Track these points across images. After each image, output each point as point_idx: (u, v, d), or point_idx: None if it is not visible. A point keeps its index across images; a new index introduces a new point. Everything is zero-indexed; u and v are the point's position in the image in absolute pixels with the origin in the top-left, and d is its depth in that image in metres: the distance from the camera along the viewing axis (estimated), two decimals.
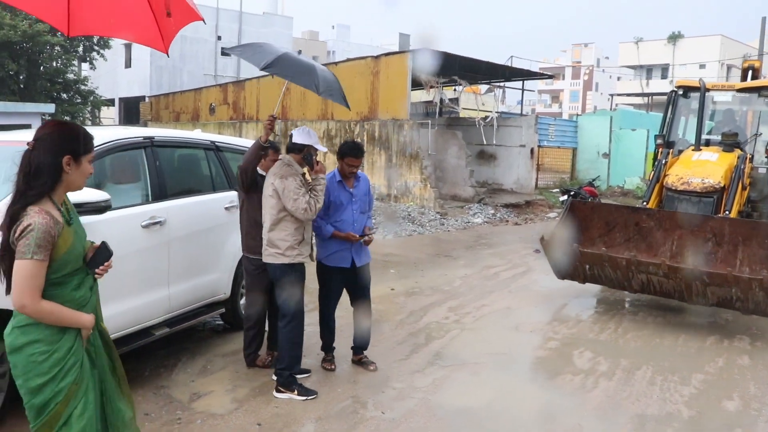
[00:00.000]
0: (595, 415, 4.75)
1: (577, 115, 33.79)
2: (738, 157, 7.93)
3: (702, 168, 7.79)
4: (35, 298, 2.39)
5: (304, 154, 4.76)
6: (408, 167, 16.24)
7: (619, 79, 56.84)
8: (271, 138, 4.97)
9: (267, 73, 19.46)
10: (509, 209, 17.71)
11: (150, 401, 4.57)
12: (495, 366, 5.75)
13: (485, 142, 19.46)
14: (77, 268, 2.57)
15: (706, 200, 7.54)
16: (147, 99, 26.19)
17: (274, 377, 4.86)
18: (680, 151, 8.61)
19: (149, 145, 4.90)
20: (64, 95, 23.38)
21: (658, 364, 5.78)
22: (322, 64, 5.87)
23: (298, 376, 4.94)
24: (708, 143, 8.79)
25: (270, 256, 4.75)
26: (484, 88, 24.48)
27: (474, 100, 22.54)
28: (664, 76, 47.04)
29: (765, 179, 8.42)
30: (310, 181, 4.74)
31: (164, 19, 3.28)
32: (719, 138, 8.67)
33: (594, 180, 18.82)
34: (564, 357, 6.02)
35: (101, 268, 2.64)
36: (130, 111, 28.60)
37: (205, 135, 5.98)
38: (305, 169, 4.78)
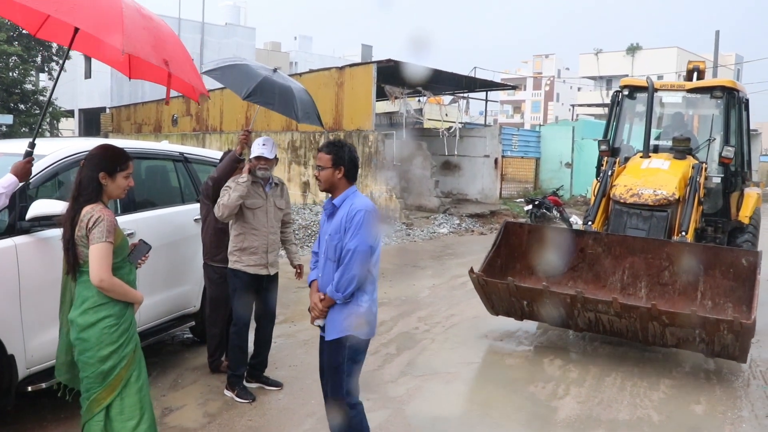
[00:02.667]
0: (569, 423, 4.81)
1: (540, 125, 34.34)
2: (693, 167, 7.11)
3: (653, 177, 6.94)
4: (110, 273, 3.06)
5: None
6: (373, 178, 16.27)
7: (579, 89, 57.99)
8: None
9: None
10: (474, 219, 17.89)
11: None
12: (467, 375, 5.79)
13: (448, 153, 19.63)
14: (126, 256, 3.24)
15: (659, 214, 6.68)
16: (108, 110, 25.74)
17: (225, 389, 5.01)
18: (626, 159, 7.80)
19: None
20: (22, 106, 22.83)
21: (626, 371, 5.88)
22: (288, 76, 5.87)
23: (267, 387, 5.10)
24: (656, 149, 7.99)
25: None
26: (447, 98, 24.68)
27: (438, 111, 22.74)
28: None
29: (718, 191, 7.70)
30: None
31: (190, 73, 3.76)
32: (669, 144, 7.87)
33: (558, 189, 19.13)
34: (535, 365, 6.08)
35: (141, 259, 3.36)
36: (90, 122, 28.05)
37: (174, 146, 5.91)
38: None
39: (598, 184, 7.57)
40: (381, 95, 17.40)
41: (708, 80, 8.41)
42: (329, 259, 3.50)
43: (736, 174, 7.84)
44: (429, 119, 23.32)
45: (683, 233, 6.45)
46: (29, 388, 3.94)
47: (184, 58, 3.77)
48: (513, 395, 5.31)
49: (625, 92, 8.35)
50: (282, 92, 4.96)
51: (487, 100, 21.58)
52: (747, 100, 8.25)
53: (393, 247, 13.54)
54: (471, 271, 6.11)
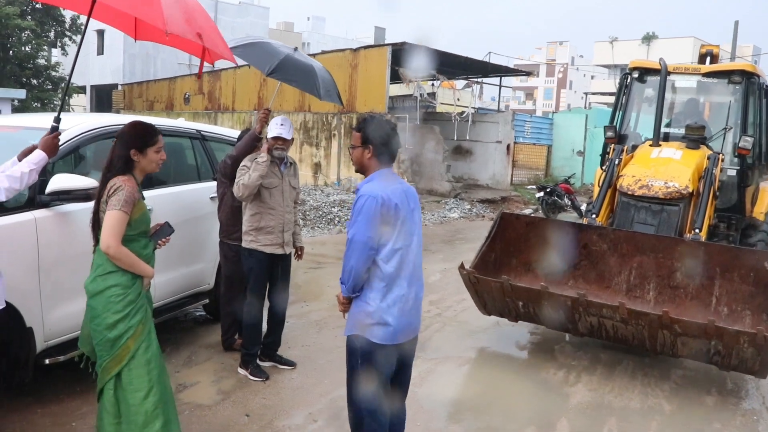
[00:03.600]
0: (580, 409, 4.81)
1: (552, 112, 34.11)
2: (708, 158, 6.60)
3: (664, 168, 6.38)
4: (118, 241, 3.10)
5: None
6: None
7: (593, 77, 57.50)
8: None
9: (243, 63, 19.23)
10: (485, 205, 17.85)
11: None
12: (479, 359, 5.80)
13: (458, 138, 19.54)
14: (145, 231, 3.32)
15: (670, 209, 6.13)
16: (120, 87, 25.73)
17: (239, 367, 5.04)
18: (634, 147, 7.20)
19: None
20: (35, 81, 22.84)
21: (637, 359, 5.87)
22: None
23: (280, 366, 5.12)
24: (667, 138, 7.38)
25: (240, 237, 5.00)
26: (460, 83, 24.54)
27: (451, 95, 22.61)
28: None
29: (733, 184, 7.16)
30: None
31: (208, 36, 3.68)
32: (680, 132, 7.34)
33: (570, 177, 19.00)
34: (546, 351, 6.08)
35: (162, 240, 3.44)
36: (102, 99, 28.02)
37: (191, 124, 5.90)
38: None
39: (604, 173, 7.12)
40: (394, 78, 17.30)
41: (726, 64, 7.79)
42: None
43: (752, 167, 7.29)
44: (442, 103, 23.19)
45: (696, 230, 5.93)
46: (47, 361, 3.97)
47: (211, 28, 3.76)
48: (525, 381, 5.32)
49: (635, 75, 7.73)
50: (303, 70, 5.03)
51: (500, 86, 21.42)
52: (767, 88, 7.51)
53: None
54: (461, 267, 5.48)
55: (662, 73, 7.10)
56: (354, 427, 3.32)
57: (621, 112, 7.82)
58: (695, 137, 6.92)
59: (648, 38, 48.24)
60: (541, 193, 16.67)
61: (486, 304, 5.79)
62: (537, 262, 6.19)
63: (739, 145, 6.89)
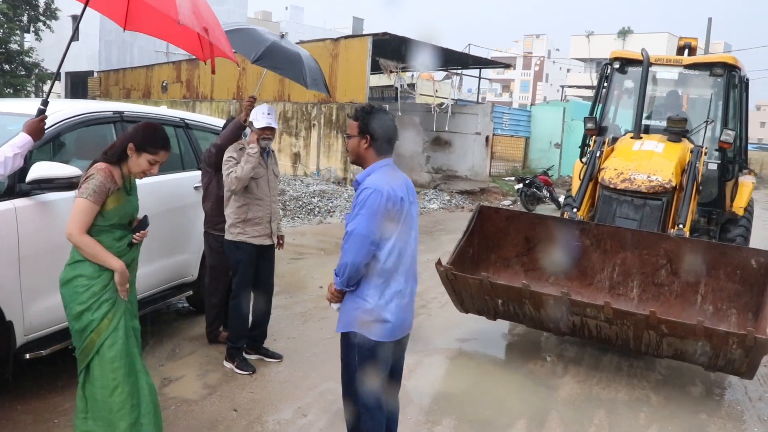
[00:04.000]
0: (569, 402, 4.81)
1: (529, 105, 34.30)
2: (692, 151, 6.47)
3: (646, 161, 6.27)
4: (81, 230, 3.03)
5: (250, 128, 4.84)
6: None
7: (569, 71, 57.88)
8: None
9: None
10: (464, 196, 17.88)
11: None
12: (466, 351, 5.77)
13: (437, 129, 19.51)
14: (122, 224, 3.20)
15: (653, 203, 6.02)
16: (96, 74, 25.17)
17: (224, 361, 4.93)
18: (614, 140, 7.05)
19: (119, 119, 4.66)
20: (7, 66, 22.23)
21: (622, 351, 5.89)
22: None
23: (266, 359, 5.05)
24: (647, 130, 7.26)
25: (223, 229, 4.89)
26: (439, 75, 24.49)
27: (430, 87, 22.55)
28: None
29: (714, 178, 7.03)
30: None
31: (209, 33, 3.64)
32: (661, 124, 7.27)
33: (548, 169, 19.12)
34: (531, 342, 6.08)
35: (138, 234, 3.28)
36: (77, 86, 27.36)
37: (175, 112, 5.76)
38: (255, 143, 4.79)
39: (585, 166, 7.06)
40: (374, 69, 17.18)
41: (708, 56, 7.81)
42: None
43: (733, 161, 7.24)
44: (421, 94, 23.14)
45: (680, 226, 5.83)
46: (27, 356, 3.82)
47: (216, 24, 3.68)
48: (513, 373, 5.31)
49: (616, 65, 7.59)
50: (290, 58, 4.94)
51: (480, 78, 21.41)
52: (747, 80, 7.55)
53: None
54: (438, 263, 5.28)
55: (644, 63, 6.99)
56: (352, 424, 3.26)
57: (601, 104, 7.71)
58: (677, 130, 6.79)
59: (624, 33, 48.70)
60: (521, 185, 16.76)
61: (464, 302, 5.55)
62: (516, 258, 6.01)
63: (721, 138, 6.81)
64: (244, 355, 4.92)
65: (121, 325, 3.13)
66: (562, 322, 5.06)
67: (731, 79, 7.18)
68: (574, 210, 6.28)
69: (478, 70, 21.31)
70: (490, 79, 63.52)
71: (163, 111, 5.63)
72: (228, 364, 4.83)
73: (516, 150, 26.00)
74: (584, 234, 5.79)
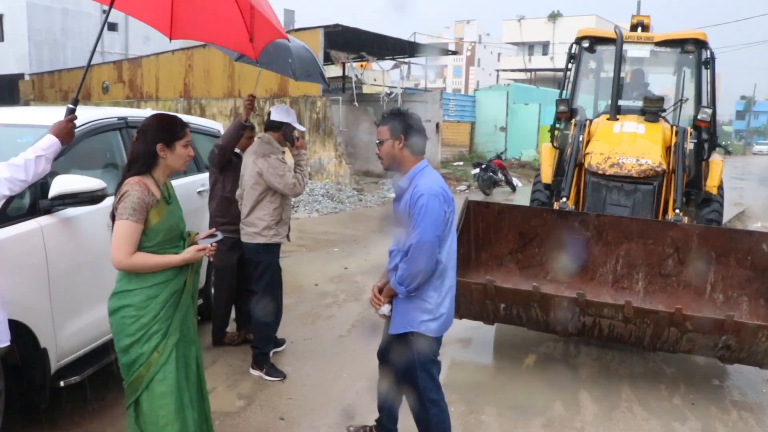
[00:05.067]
0: (592, 379, 4.91)
1: (465, 90, 34.74)
2: (676, 132, 6.33)
3: (631, 144, 6.07)
4: (127, 254, 2.75)
5: (284, 132, 4.74)
6: (322, 144, 16.00)
7: (500, 55, 58.87)
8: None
9: (167, 50, 18.27)
10: None
11: None
12: (478, 339, 5.77)
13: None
14: (171, 239, 2.92)
15: (644, 188, 5.81)
16: (27, 77, 23.89)
17: (251, 368, 4.76)
18: (589, 122, 6.79)
19: (124, 126, 4.44)
20: None
21: None
22: None
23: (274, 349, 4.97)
24: (619, 110, 6.80)
25: (247, 235, 4.67)
26: (387, 65, 24.50)
27: (375, 76, 22.50)
28: (545, 53, 49.36)
29: (691, 158, 6.79)
30: (293, 158, 4.80)
31: (255, 27, 3.55)
32: (630, 103, 7.09)
33: (501, 153, 19.45)
34: None
35: (210, 246, 2.97)
36: (5, 90, 25.86)
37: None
38: (286, 147, 4.83)
39: (556, 150, 6.90)
40: (325, 60, 17.00)
41: (679, 32, 7.37)
42: (397, 246, 3.21)
43: (709, 140, 7.03)
44: (373, 84, 23.02)
45: (677, 211, 5.68)
46: (62, 383, 3.60)
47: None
48: (530, 356, 5.37)
49: (585, 44, 7.32)
50: (277, 50, 4.72)
51: (426, 66, 21.52)
52: (714, 57, 7.23)
53: (349, 213, 13.43)
54: None
55: (618, 41, 6.65)
56: (422, 421, 3.28)
57: (571, 85, 7.51)
58: (654, 109, 6.58)
59: (554, 16, 49.86)
60: (477, 170, 16.98)
61: (460, 308, 4.81)
62: (511, 254, 5.68)
63: (698, 117, 6.69)
64: (251, 370, 4.74)
65: (173, 358, 2.89)
66: (572, 324, 4.71)
67: (702, 55, 7.12)
68: (564, 200, 5.96)
69: (425, 58, 21.41)
70: (424, 66, 64.03)
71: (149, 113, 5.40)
72: (256, 372, 4.69)
73: (462, 135, 26.30)
74: (584, 226, 5.47)
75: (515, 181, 18.55)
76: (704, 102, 7.09)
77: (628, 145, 6.05)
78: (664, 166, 5.87)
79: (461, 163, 23.37)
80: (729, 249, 5.16)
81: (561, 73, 8.44)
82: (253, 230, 4.61)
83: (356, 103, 17.14)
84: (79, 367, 3.74)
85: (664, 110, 6.79)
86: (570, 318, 4.64)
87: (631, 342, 4.74)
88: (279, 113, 4.77)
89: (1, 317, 2.81)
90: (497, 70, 40.86)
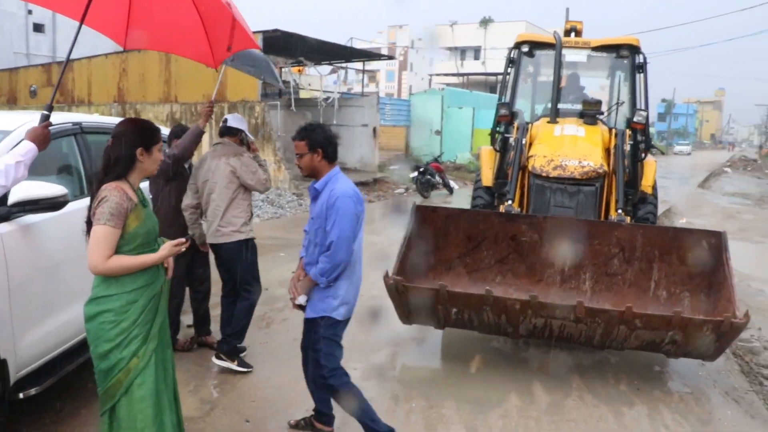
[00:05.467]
0: (543, 371, 5.13)
1: (398, 94, 35.16)
2: (616, 135, 6.52)
3: (573, 147, 6.20)
4: (103, 259, 2.76)
5: (240, 137, 5.02)
6: (261, 149, 15.85)
7: (432, 59, 59.78)
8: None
9: (100, 53, 17.70)
10: (360, 187, 18.02)
11: None
12: (430, 338, 5.86)
13: (325, 123, 19.61)
14: (148, 242, 2.94)
15: (587, 189, 5.92)
16: None
17: (216, 359, 4.84)
18: (530, 125, 6.88)
19: (78, 131, 4.35)
20: None
21: None
22: None
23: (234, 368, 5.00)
24: (557, 114, 6.88)
25: (224, 235, 4.78)
26: (324, 69, 24.50)
27: (312, 81, 22.50)
28: (476, 57, 50.53)
29: (629, 160, 6.75)
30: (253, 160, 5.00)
31: (215, 39, 3.72)
32: (570, 107, 7.26)
33: (439, 156, 19.80)
34: None
35: (178, 242, 2.98)
36: None
37: (116, 120, 5.44)
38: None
39: (497, 153, 7.06)
40: None
41: (614, 38, 7.56)
42: (312, 241, 3.60)
43: (644, 141, 7.12)
44: (311, 89, 22.97)
45: (620, 211, 5.87)
46: (20, 395, 3.50)
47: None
48: (483, 351, 5.54)
49: (524, 49, 7.41)
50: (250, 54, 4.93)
51: (364, 71, 21.68)
52: (647, 62, 7.41)
53: (290, 218, 13.44)
54: (386, 275, 4.75)
55: (557, 46, 6.75)
56: (336, 393, 3.68)
57: (511, 89, 7.55)
58: (592, 112, 6.78)
59: (485, 22, 51.12)
60: (416, 173, 17.26)
61: (410, 313, 5.08)
62: (460, 258, 5.72)
63: (634, 119, 6.83)
64: (215, 360, 4.84)
65: (152, 362, 2.90)
66: (523, 326, 4.80)
67: (636, 60, 7.29)
68: (509, 202, 6.01)
69: (362, 63, 21.57)
70: (355, 71, 64.31)
71: (106, 119, 5.29)
72: (225, 363, 4.77)
73: (398, 139, 26.60)
74: (532, 228, 5.57)
75: (452, 183, 18.94)
76: (638, 105, 7.26)
77: (569, 148, 6.20)
78: (606, 168, 6.01)
79: (397, 166, 23.62)
80: (671, 247, 5.33)
81: (493, 78, 8.67)
82: (232, 228, 4.74)
83: (294, 108, 17.12)
84: (38, 377, 3.66)
85: (602, 113, 7.03)
86: (522, 320, 4.72)
87: (581, 341, 4.86)
88: (235, 121, 5.04)
89: None
90: (430, 75, 41.46)
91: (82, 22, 3.32)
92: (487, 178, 7.58)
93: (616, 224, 5.56)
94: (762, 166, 38.83)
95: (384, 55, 22.72)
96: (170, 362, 3.07)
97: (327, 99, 19.99)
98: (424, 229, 5.51)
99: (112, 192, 2.81)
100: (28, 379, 3.62)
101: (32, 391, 3.57)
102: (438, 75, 42.22)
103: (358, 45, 23.93)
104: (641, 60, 7.29)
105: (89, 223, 2.86)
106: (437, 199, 16.85)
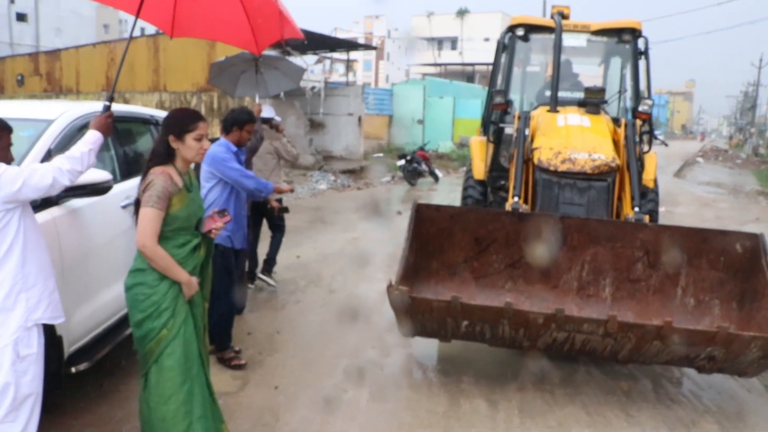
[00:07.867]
0: (535, 368, 5.02)
1: (392, 84, 35.23)
2: (625, 125, 5.94)
3: (580, 138, 5.63)
4: (153, 240, 2.99)
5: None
6: None
7: (407, 49, 59.91)
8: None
9: (87, 43, 17.52)
10: (347, 175, 18.35)
11: None
12: None
13: (312, 112, 19.83)
14: (184, 228, 3.14)
15: (599, 185, 5.35)
16: None
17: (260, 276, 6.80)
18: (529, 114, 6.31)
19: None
20: None
21: None
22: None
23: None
24: (556, 103, 6.27)
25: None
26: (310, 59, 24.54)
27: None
28: (453, 48, 50.83)
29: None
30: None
31: (258, 27, 3.91)
32: (570, 95, 6.81)
33: (425, 145, 20.07)
34: None
35: (214, 228, 3.27)
36: None
37: (144, 109, 5.58)
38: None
39: (490, 144, 6.83)
40: None
41: (615, 21, 7.02)
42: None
43: (649, 132, 6.77)
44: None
45: (636, 209, 5.31)
46: (73, 370, 3.68)
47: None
48: (468, 347, 5.27)
49: (519, 33, 6.90)
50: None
51: (348, 61, 21.81)
52: (649, 48, 6.94)
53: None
54: (390, 286, 4.15)
55: (557, 29, 6.23)
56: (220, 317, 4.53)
57: (505, 76, 7.11)
58: (596, 101, 6.22)
59: (461, 12, 51.42)
60: (403, 161, 17.53)
61: (416, 326, 4.51)
62: (466, 262, 5.13)
63: (639, 109, 6.46)
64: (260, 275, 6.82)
65: (181, 333, 3.08)
66: (542, 340, 4.31)
67: (638, 45, 6.87)
68: (516, 199, 5.39)
69: (346, 53, 21.69)
70: (332, 60, 64.13)
71: (139, 109, 5.48)
72: (266, 278, 6.80)
73: (380, 128, 26.80)
74: (548, 229, 4.93)
75: (437, 171, 19.24)
76: (641, 93, 6.88)
77: (577, 139, 5.61)
78: (618, 161, 5.44)
79: (381, 154, 23.86)
80: (701, 250, 4.83)
81: (470, 68, 8.44)
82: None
83: (282, 97, 17.22)
84: (88, 352, 3.85)
85: (606, 102, 6.49)
86: (542, 333, 4.21)
87: (604, 356, 4.40)
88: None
89: (56, 294, 3.00)
90: (408, 65, 41.69)
91: (137, 16, 3.49)
92: (479, 171, 7.37)
93: (641, 225, 5.02)
94: (732, 157, 39.77)
95: (369, 45, 22.89)
96: (201, 336, 3.26)
97: (313, 88, 20.14)
98: (425, 229, 5.00)
99: (158, 176, 3.03)
100: (80, 354, 3.80)
101: (82, 366, 3.75)
102: (416, 65, 42.42)
103: (340, 35, 23.95)
104: (643, 45, 6.89)
105: (137, 204, 3.08)
106: (424, 186, 17.13)
